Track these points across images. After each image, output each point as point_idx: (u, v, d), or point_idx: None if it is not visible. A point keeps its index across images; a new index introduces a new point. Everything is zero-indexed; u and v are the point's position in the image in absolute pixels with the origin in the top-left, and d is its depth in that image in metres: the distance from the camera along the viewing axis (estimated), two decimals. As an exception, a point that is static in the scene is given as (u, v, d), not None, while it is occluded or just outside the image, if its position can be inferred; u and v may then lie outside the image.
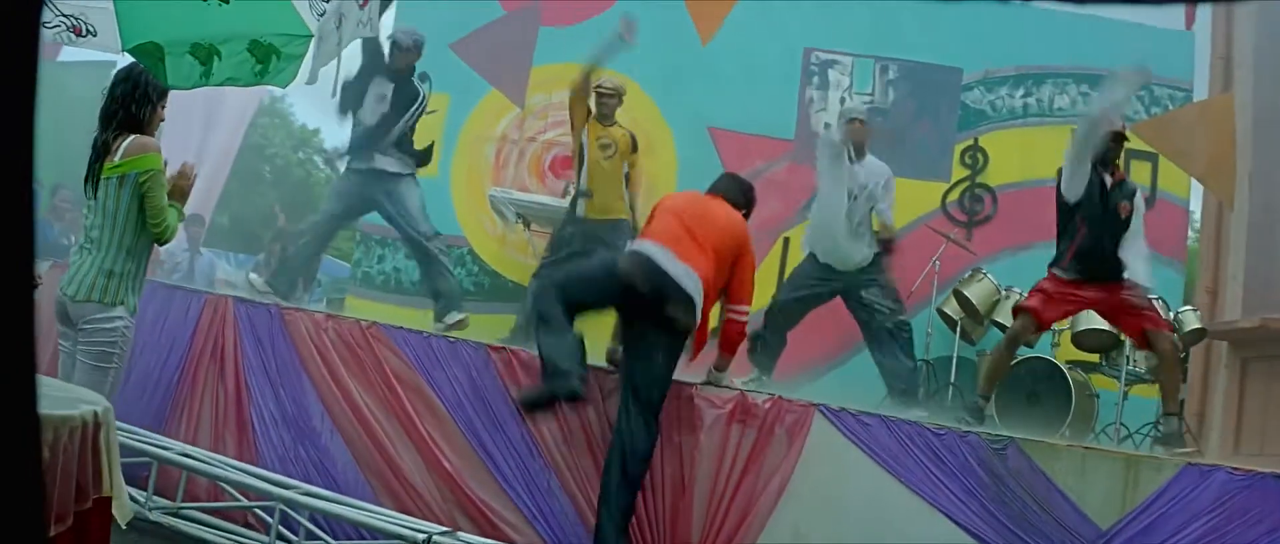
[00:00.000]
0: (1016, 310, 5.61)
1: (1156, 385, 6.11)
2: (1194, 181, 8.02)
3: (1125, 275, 5.35)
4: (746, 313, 4.97)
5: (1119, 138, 5.41)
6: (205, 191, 10.30)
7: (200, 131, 10.23)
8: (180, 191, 4.08)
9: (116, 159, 3.82)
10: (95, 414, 2.42)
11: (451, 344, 5.23)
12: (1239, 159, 7.55)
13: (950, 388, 6.72)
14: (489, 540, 4.68)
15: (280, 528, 4.74)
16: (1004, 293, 6.93)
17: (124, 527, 2.95)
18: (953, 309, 7.15)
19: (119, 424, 4.77)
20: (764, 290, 7.61)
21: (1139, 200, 5.50)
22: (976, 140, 8.08)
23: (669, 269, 4.64)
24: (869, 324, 6.07)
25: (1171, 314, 6.72)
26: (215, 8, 3.42)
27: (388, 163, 6.47)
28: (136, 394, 5.31)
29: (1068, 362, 6.67)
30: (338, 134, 6.78)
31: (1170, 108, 7.79)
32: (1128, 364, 6.46)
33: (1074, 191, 5.35)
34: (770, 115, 8.10)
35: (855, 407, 4.79)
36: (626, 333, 4.88)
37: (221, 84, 3.53)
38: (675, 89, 8.08)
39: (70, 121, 4.90)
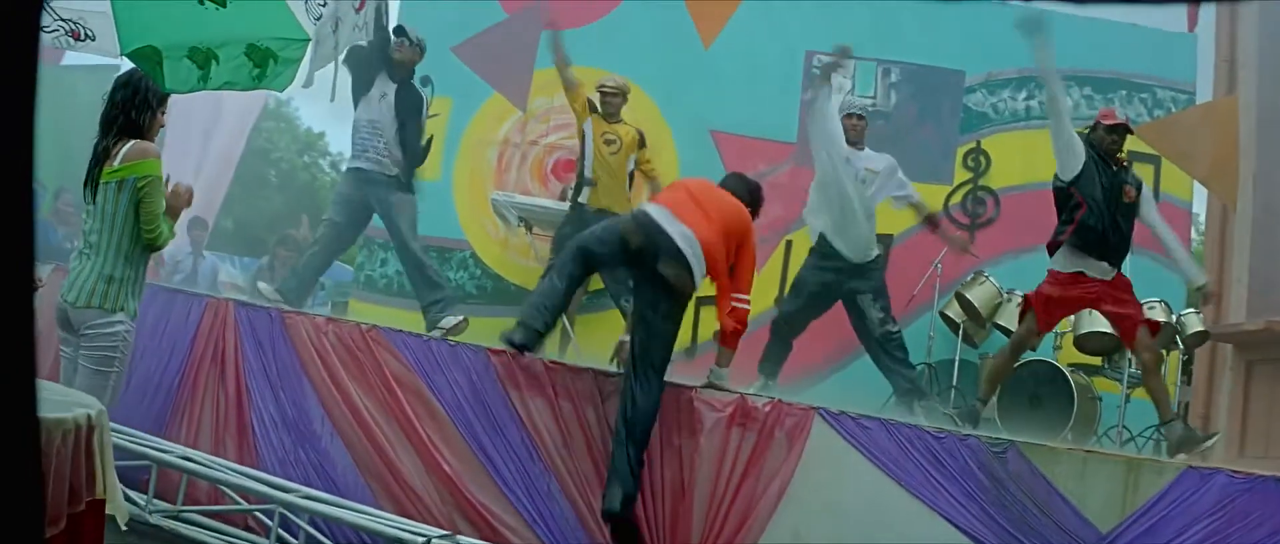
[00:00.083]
0: (1022, 314, 5.61)
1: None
2: (1197, 184, 7.99)
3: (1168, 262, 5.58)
4: (747, 302, 4.96)
5: (1121, 129, 5.41)
6: (209, 195, 10.32)
7: (203, 136, 10.25)
8: (173, 211, 4.08)
9: (116, 164, 3.83)
10: (88, 417, 2.43)
11: (452, 348, 5.23)
12: (1243, 161, 7.51)
13: (953, 391, 6.72)
14: (488, 544, 4.70)
15: (280, 531, 4.75)
16: (1006, 296, 6.93)
17: (124, 526, 2.96)
18: (955, 312, 7.15)
19: (120, 428, 4.83)
20: (767, 293, 7.66)
21: (1147, 191, 5.52)
22: (979, 143, 8.07)
23: (666, 227, 4.74)
24: (861, 330, 6.08)
25: (1174, 317, 6.71)
26: (213, 12, 3.42)
27: (384, 167, 6.44)
28: (137, 397, 5.31)
29: (1070, 365, 6.67)
30: (343, 138, 6.80)
31: (1173, 110, 7.78)
32: (1130, 367, 6.44)
33: (1069, 168, 5.37)
34: (772, 118, 8.10)
35: (855, 410, 4.79)
36: (633, 294, 5.10)
37: (219, 88, 3.53)
38: (677, 91, 8.09)
39: (73, 125, 4.92)
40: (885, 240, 7.46)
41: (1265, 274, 7.74)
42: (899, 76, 8.17)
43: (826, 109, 6.26)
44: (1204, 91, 8.36)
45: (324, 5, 3.47)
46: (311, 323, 5.43)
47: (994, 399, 6.25)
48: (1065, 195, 5.41)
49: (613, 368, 5.09)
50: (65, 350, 4.08)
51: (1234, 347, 7.94)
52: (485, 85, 8.27)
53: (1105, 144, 5.39)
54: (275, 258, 9.41)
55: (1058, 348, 6.91)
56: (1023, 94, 8.05)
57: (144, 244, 3.97)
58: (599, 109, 6.82)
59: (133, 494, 4.86)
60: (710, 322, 5.29)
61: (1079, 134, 5.63)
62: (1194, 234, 11.48)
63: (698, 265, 4.73)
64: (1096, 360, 6.88)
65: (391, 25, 6.66)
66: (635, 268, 4.91)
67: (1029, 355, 6.26)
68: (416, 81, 6.65)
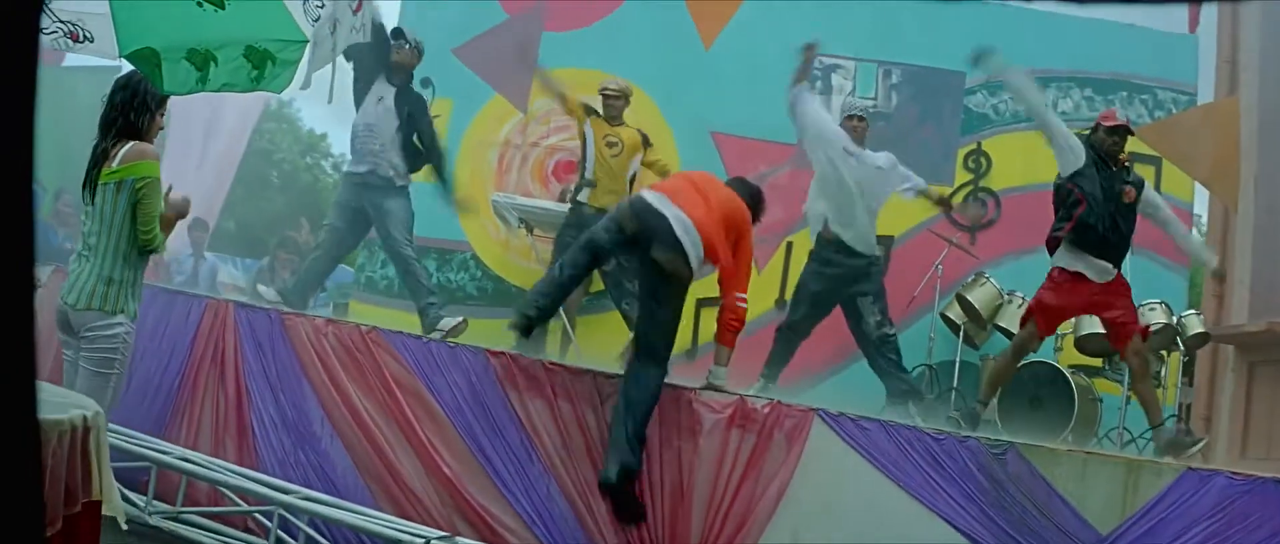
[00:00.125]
0: (1024, 320, 5.62)
1: (1156, 391, 6.09)
2: (1199, 185, 7.98)
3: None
4: (743, 300, 4.96)
5: (1121, 130, 5.41)
6: (210, 197, 10.33)
7: (204, 137, 10.25)
8: (166, 221, 4.07)
9: (114, 165, 3.83)
10: (84, 418, 2.43)
11: (451, 349, 5.23)
12: (1244, 162, 7.51)
13: (953, 393, 6.71)
14: (487, 545, 4.70)
15: (279, 533, 4.75)
16: (1006, 297, 6.92)
17: (124, 526, 2.96)
18: (955, 313, 7.14)
19: (119, 429, 4.83)
20: (768, 294, 7.66)
21: (1150, 187, 5.53)
22: (979, 144, 8.06)
23: (662, 210, 4.79)
24: (858, 332, 6.07)
25: (1175, 318, 6.70)
26: (211, 13, 3.43)
27: (379, 171, 6.41)
28: (137, 399, 5.31)
29: (1071, 366, 6.66)
30: (345, 140, 6.77)
31: (1174, 111, 7.76)
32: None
33: (1069, 165, 5.39)
34: (773, 120, 8.04)
35: (854, 412, 4.78)
36: (637, 283, 5.26)
37: (217, 89, 3.54)
38: (677, 93, 8.08)
39: (74, 126, 4.93)
40: (886, 242, 7.45)
41: (1267, 276, 7.73)
42: (900, 78, 8.16)
43: (808, 108, 6.33)
44: (1205, 93, 8.35)
45: (321, 6, 3.48)
46: (311, 324, 5.44)
47: (995, 401, 6.25)
48: (1065, 192, 5.42)
49: (612, 370, 5.08)
50: (67, 353, 4.08)
51: (1236, 348, 7.93)
52: (486, 87, 8.28)
53: (1106, 146, 5.39)
54: (276, 260, 9.41)
55: (1059, 349, 6.90)
56: (1024, 95, 8.03)
57: (141, 245, 3.97)
58: (600, 111, 6.83)
59: (132, 495, 4.87)
60: (711, 324, 5.29)
61: (1079, 135, 5.63)
62: (1196, 235, 11.45)
63: (693, 250, 4.77)
64: (1097, 362, 6.87)
65: (389, 28, 6.65)
66: (634, 253, 4.96)
67: (1030, 357, 6.25)
68: (416, 84, 6.65)
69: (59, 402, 2.55)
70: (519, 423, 4.98)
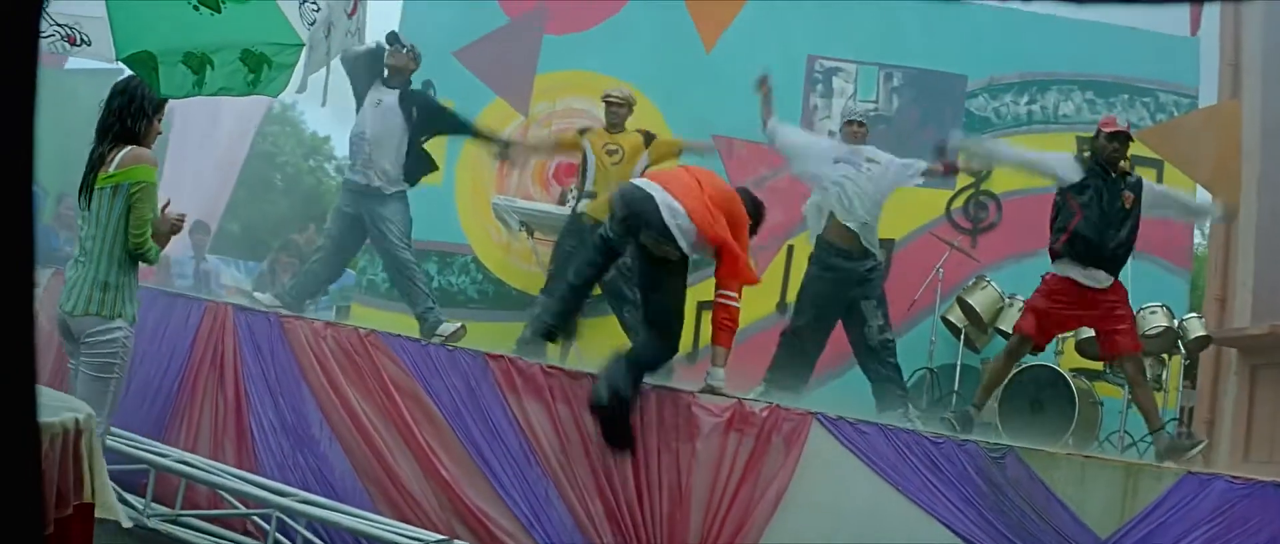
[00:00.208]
0: (1015, 330, 5.63)
1: (1158, 395, 6.08)
2: (1200, 188, 7.96)
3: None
4: (731, 298, 4.96)
5: (1122, 137, 5.40)
6: (212, 199, 10.35)
7: (206, 139, 10.26)
8: (158, 236, 4.07)
9: (111, 170, 3.84)
10: (76, 421, 2.43)
11: (450, 353, 5.24)
12: (1247, 165, 7.49)
13: (954, 396, 6.69)
14: (485, 549, 4.69)
15: (277, 535, 4.76)
16: (1008, 300, 6.91)
17: (128, 524, 2.96)
18: (956, 317, 7.13)
19: (119, 432, 4.84)
20: (768, 298, 7.65)
21: (1148, 187, 5.53)
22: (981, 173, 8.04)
23: (651, 194, 4.84)
24: (859, 338, 6.04)
25: (1176, 322, 6.69)
26: (207, 17, 3.43)
27: (375, 179, 6.38)
28: (137, 402, 5.33)
29: (1071, 369, 6.64)
30: (347, 143, 6.75)
31: (1175, 114, 7.74)
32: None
33: (1072, 178, 5.41)
34: (774, 122, 8.07)
35: (853, 415, 4.78)
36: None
37: (214, 93, 3.54)
38: (678, 96, 8.07)
39: (76, 129, 4.93)
40: (887, 245, 7.44)
41: (1270, 279, 7.73)
42: (901, 81, 8.15)
43: (787, 138, 6.42)
44: (1207, 95, 8.34)
45: (317, 10, 3.48)
46: (310, 328, 5.44)
47: (996, 404, 6.23)
48: (1060, 204, 5.43)
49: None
50: (72, 362, 4.08)
51: (1238, 351, 7.93)
52: (487, 90, 8.28)
53: (1107, 152, 5.38)
54: (277, 263, 9.42)
55: (1060, 353, 6.88)
56: (1025, 99, 8.02)
57: (131, 249, 3.97)
58: (593, 125, 6.82)
59: (131, 498, 4.88)
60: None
61: (1083, 137, 5.63)
62: (1198, 237, 11.44)
63: (682, 234, 4.80)
64: (1098, 365, 6.84)
65: (388, 32, 6.66)
66: (630, 239, 5.00)
67: (1031, 360, 6.24)
68: (414, 87, 6.62)
69: (51, 404, 2.55)
70: (517, 426, 4.98)
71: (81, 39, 3.85)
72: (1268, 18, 8.36)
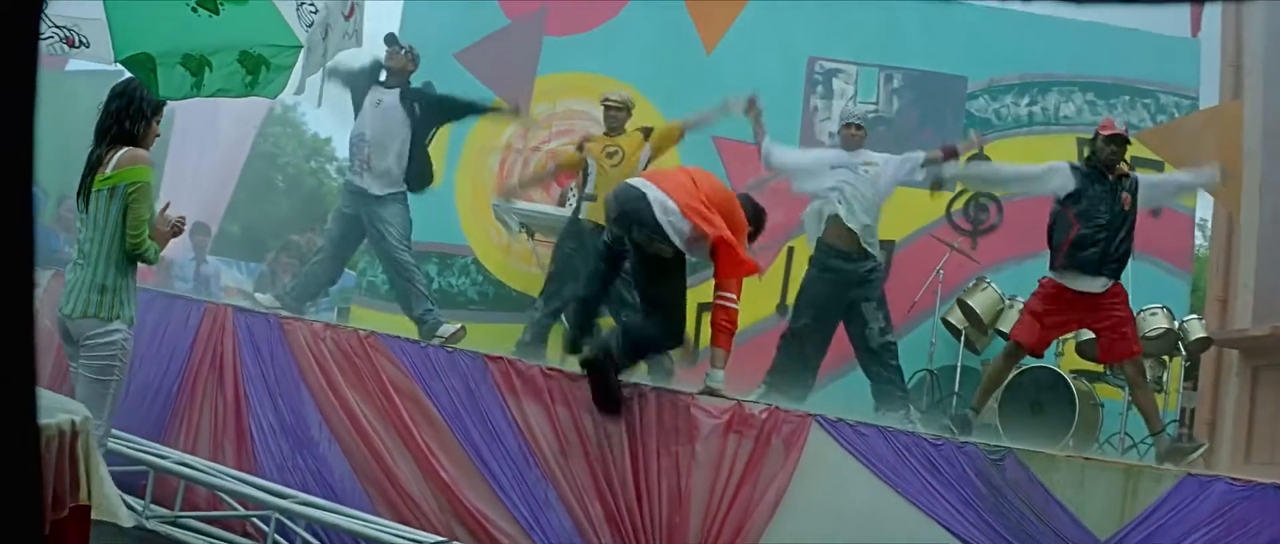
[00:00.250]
0: (1011, 336, 5.63)
1: (1158, 396, 6.07)
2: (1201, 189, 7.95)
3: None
4: (729, 298, 4.96)
5: (1120, 140, 5.39)
6: (212, 201, 10.35)
7: (206, 141, 10.26)
8: (159, 235, 4.08)
9: (108, 171, 3.84)
10: (73, 423, 2.43)
11: (449, 354, 5.23)
12: (1249, 167, 7.48)
13: (954, 398, 6.69)
14: (484, 551, 4.69)
15: (276, 537, 4.76)
16: (1008, 302, 6.90)
17: (129, 524, 2.95)
18: (957, 318, 7.12)
19: (118, 433, 4.84)
20: (769, 299, 7.64)
21: (1144, 178, 5.53)
22: (981, 149, 8.02)
23: (643, 191, 4.86)
24: (860, 340, 6.03)
25: (1177, 323, 6.68)
26: (206, 19, 3.43)
27: (372, 182, 6.38)
28: (136, 403, 5.33)
29: (1072, 371, 6.62)
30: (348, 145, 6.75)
31: (1176, 115, 7.73)
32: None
33: (1063, 190, 5.39)
34: (774, 124, 7.99)
35: (852, 417, 4.77)
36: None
37: (212, 95, 3.54)
38: (679, 98, 8.06)
39: (76, 131, 4.94)
40: (887, 247, 7.43)
41: (1271, 281, 7.72)
42: (901, 82, 8.14)
43: (782, 158, 6.44)
44: (1208, 97, 8.33)
45: (315, 11, 3.48)
46: (309, 329, 5.44)
47: (996, 406, 6.22)
48: (1057, 215, 5.44)
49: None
50: (72, 365, 4.08)
51: (1240, 352, 7.92)
52: (487, 91, 8.28)
53: (1105, 155, 5.37)
54: (277, 264, 9.42)
55: (1060, 355, 6.87)
56: (1025, 100, 8.01)
57: (128, 250, 3.97)
58: (592, 136, 6.81)
59: (130, 500, 4.87)
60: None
61: (1083, 139, 5.62)
62: (1200, 238, 11.42)
63: (676, 232, 4.81)
64: (1099, 367, 6.83)
65: (387, 33, 6.66)
66: (626, 238, 5.02)
67: (1031, 361, 6.23)
68: (413, 89, 6.61)
69: (47, 406, 2.55)
70: (516, 428, 4.98)
71: (80, 41, 3.86)
72: (1269, 18, 8.36)
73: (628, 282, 6.04)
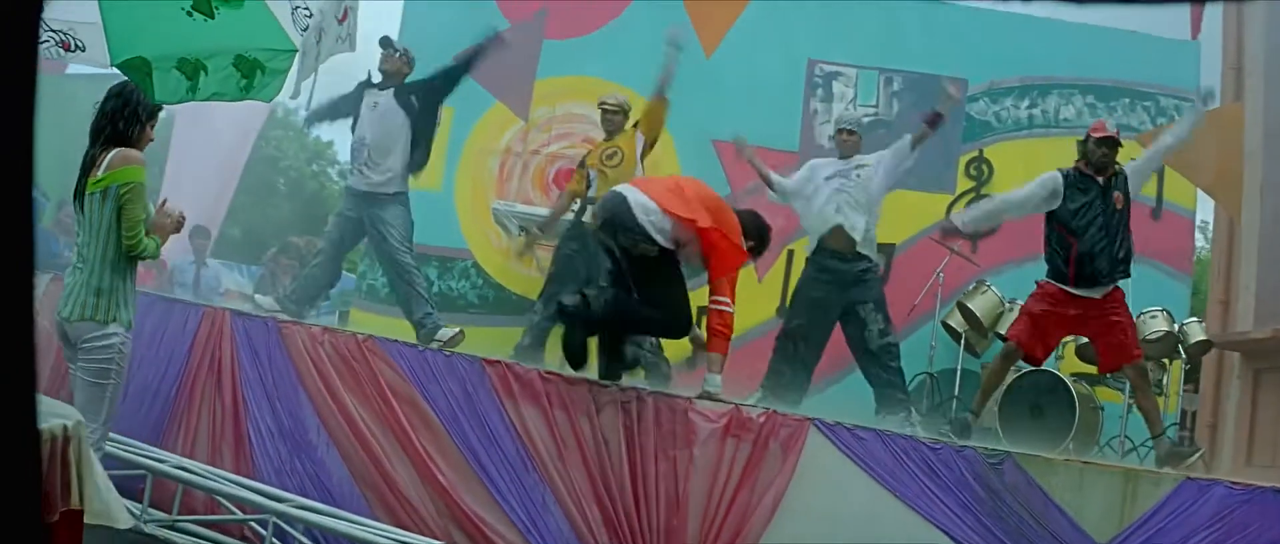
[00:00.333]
0: (1008, 337, 5.61)
1: (1158, 399, 6.06)
2: (1203, 192, 7.94)
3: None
4: (723, 303, 4.95)
5: (1110, 142, 5.38)
6: (212, 204, 10.36)
7: (206, 143, 10.26)
8: (160, 230, 4.08)
9: (100, 173, 3.84)
10: (65, 428, 2.43)
11: (447, 358, 5.22)
12: (1249, 168, 7.47)
13: (954, 401, 6.67)
14: (482, 554, 4.68)
15: (274, 541, 4.75)
16: (1008, 305, 6.89)
17: (126, 527, 2.95)
18: (957, 322, 7.10)
19: (116, 437, 4.83)
20: (769, 302, 7.64)
21: (1130, 167, 5.51)
22: (981, 152, 8.03)
23: (626, 196, 4.93)
24: (859, 342, 6.01)
25: (1177, 326, 6.66)
26: (201, 23, 3.43)
27: (373, 184, 6.39)
28: (134, 407, 5.32)
29: (1072, 374, 6.61)
30: (350, 146, 6.75)
31: (1176, 118, 7.71)
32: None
33: (1049, 206, 5.40)
34: (774, 128, 8.06)
35: (850, 421, 4.76)
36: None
37: (207, 98, 3.54)
38: (678, 101, 8.01)
39: (76, 134, 4.94)
40: (887, 250, 7.42)
41: (1273, 282, 7.68)
42: (901, 85, 8.14)
43: (783, 186, 6.38)
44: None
45: (309, 16, 3.48)
46: (308, 333, 5.44)
47: (996, 409, 6.21)
48: (1052, 230, 5.44)
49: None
50: (72, 367, 4.08)
51: (1241, 355, 7.88)
52: (487, 94, 8.28)
53: (1096, 157, 5.37)
54: (277, 265, 9.41)
55: (1060, 358, 6.86)
56: (1025, 102, 8.01)
57: (126, 251, 3.96)
58: (596, 140, 6.81)
59: (128, 503, 4.86)
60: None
61: (1082, 141, 5.61)
62: (1201, 241, 11.42)
63: (658, 231, 4.85)
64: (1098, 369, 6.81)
65: (382, 36, 6.66)
66: (613, 243, 5.06)
67: (1031, 368, 6.21)
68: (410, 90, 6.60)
69: (40, 411, 2.55)
70: (514, 432, 4.97)
71: (76, 45, 3.86)
72: (1270, 20, 8.33)
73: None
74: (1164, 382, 6.77)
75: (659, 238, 4.86)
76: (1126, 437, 6.35)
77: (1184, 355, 6.81)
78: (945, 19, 8.13)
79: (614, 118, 6.65)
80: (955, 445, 4.64)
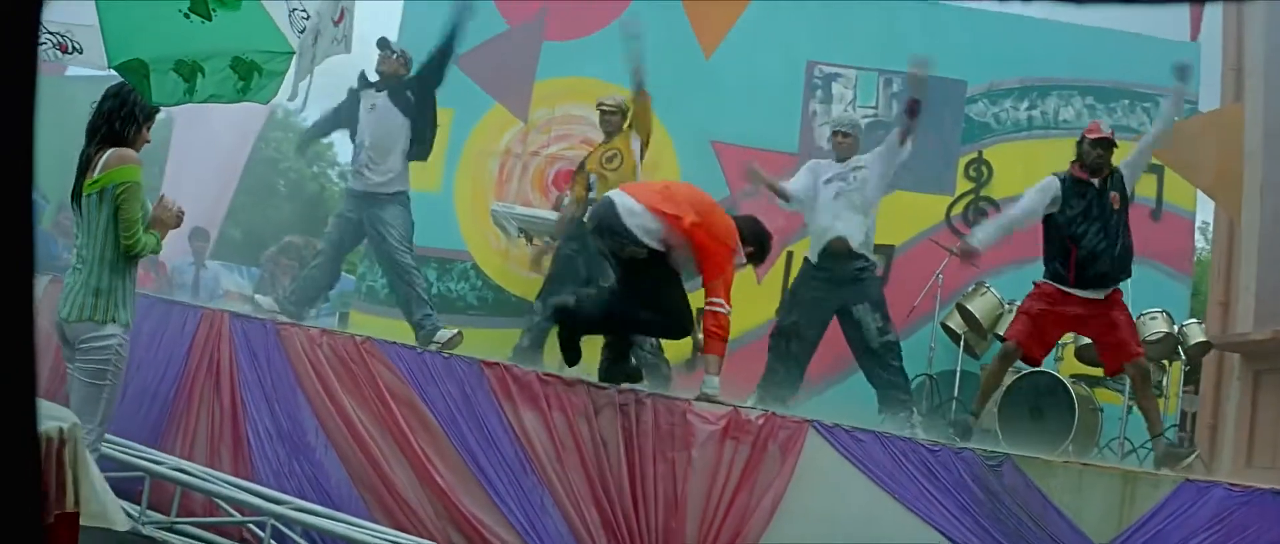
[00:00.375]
0: (1007, 337, 5.60)
1: (1158, 400, 6.05)
2: (1203, 194, 7.93)
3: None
4: (719, 305, 4.94)
5: (1105, 143, 5.37)
6: (212, 205, 10.36)
7: (205, 144, 10.26)
8: (160, 224, 4.08)
9: (96, 174, 3.83)
10: (61, 430, 2.42)
11: (445, 360, 5.22)
12: (1249, 169, 7.46)
13: (954, 402, 6.66)
14: (481, 556, 4.68)
15: (272, 543, 4.74)
16: (1007, 306, 6.88)
17: (123, 529, 2.95)
18: (956, 323, 7.10)
19: (114, 438, 4.83)
20: (768, 304, 7.61)
21: (1123, 166, 5.50)
22: (981, 153, 8.02)
23: (614, 201, 4.98)
24: (858, 342, 6.00)
25: (1176, 327, 6.66)
26: (199, 25, 3.43)
27: (373, 185, 6.39)
28: (133, 409, 5.32)
29: (1071, 376, 6.61)
30: (350, 147, 6.75)
31: (1176, 119, 7.71)
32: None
33: (1053, 205, 5.38)
34: (773, 129, 8.06)
35: (849, 423, 4.75)
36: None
37: (205, 100, 3.54)
38: (678, 103, 8.06)
39: (76, 136, 4.94)
40: (887, 251, 7.42)
41: (1273, 284, 7.67)
42: (901, 87, 8.12)
43: (788, 194, 6.31)
44: (1208, 100, 8.31)
45: (306, 17, 3.48)
46: (306, 335, 5.43)
47: (995, 411, 6.20)
48: (1051, 234, 5.43)
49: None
50: (71, 368, 4.07)
51: (1241, 356, 7.87)
52: (487, 96, 8.28)
53: (1091, 159, 5.37)
54: (276, 265, 9.40)
55: (1059, 359, 6.85)
56: (1025, 104, 8.00)
57: (124, 251, 3.96)
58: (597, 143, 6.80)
59: (126, 505, 4.86)
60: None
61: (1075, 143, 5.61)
62: (1201, 242, 11.41)
63: (646, 234, 4.88)
64: (1098, 371, 6.80)
65: (380, 37, 6.66)
66: (606, 249, 5.14)
67: (1030, 367, 6.20)
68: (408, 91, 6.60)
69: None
70: (513, 434, 4.97)
71: (73, 47, 3.85)
72: (1270, 20, 8.32)
73: None
74: (1164, 383, 6.77)
75: (647, 240, 4.88)
76: (1126, 438, 6.34)
77: (1184, 357, 6.81)
78: (945, 20, 8.12)
79: (612, 119, 6.65)
80: (954, 447, 4.64)
